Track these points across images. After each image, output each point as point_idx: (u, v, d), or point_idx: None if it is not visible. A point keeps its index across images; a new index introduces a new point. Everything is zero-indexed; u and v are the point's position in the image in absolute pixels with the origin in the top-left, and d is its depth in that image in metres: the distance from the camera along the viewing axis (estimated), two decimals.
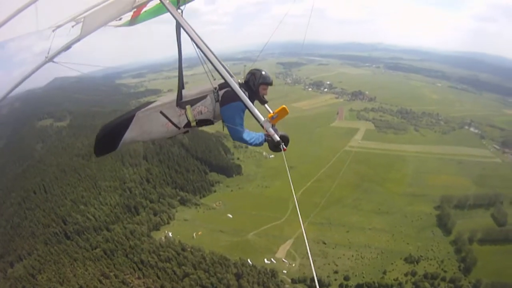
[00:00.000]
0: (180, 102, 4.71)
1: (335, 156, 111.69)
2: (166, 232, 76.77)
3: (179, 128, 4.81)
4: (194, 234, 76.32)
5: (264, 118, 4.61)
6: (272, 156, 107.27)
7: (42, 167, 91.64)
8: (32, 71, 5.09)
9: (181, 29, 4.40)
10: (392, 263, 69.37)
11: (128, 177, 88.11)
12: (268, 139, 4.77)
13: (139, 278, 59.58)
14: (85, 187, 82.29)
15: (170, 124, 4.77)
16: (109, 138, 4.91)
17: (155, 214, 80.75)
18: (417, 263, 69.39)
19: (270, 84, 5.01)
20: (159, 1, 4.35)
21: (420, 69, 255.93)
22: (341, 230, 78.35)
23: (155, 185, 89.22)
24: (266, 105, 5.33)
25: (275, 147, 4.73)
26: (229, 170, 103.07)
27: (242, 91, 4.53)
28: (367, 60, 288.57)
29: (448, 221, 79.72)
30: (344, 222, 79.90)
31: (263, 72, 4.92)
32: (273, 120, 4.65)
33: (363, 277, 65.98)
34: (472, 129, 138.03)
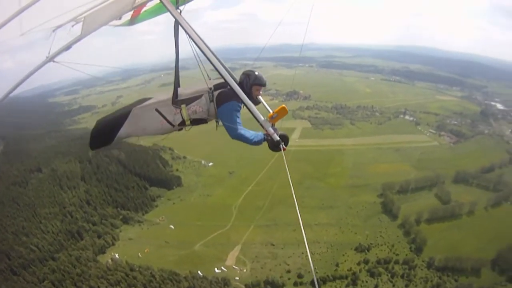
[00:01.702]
0: (176, 101, 5.67)
1: (274, 158, 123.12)
2: (112, 254, 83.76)
3: (173, 126, 5.81)
4: (139, 254, 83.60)
5: (264, 118, 5.51)
6: (211, 163, 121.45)
7: None
8: (33, 71, 5.85)
9: (180, 28, 5.31)
10: (343, 255, 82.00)
11: (67, 201, 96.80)
12: (268, 138, 5.73)
13: None
14: (25, 217, 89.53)
15: (165, 121, 5.74)
16: (104, 132, 5.94)
17: (99, 237, 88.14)
18: (368, 251, 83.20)
19: (264, 85, 6.08)
20: (159, 1, 5.14)
21: (353, 65, 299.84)
22: (288, 230, 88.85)
23: (96, 206, 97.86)
24: (266, 105, 6.46)
25: (275, 146, 5.71)
26: (169, 182, 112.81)
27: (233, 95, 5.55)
28: (300, 60, 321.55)
29: (393, 207, 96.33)
30: (289, 221, 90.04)
31: (257, 73, 5.99)
32: (272, 119, 5.62)
33: (316, 272, 76.30)
34: (407, 117, 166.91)
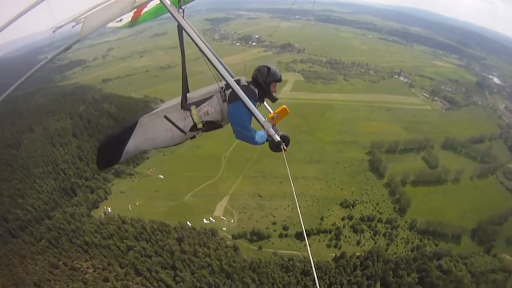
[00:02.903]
0: (185, 104, 5.51)
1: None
2: (105, 208, 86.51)
3: (185, 132, 5.63)
4: (130, 207, 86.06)
5: (265, 118, 5.39)
6: None
7: None
8: (33, 71, 5.84)
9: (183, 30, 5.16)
10: (328, 209, 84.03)
11: (60, 158, 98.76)
12: (269, 139, 5.66)
13: (86, 260, 69.51)
14: (20, 179, 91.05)
15: (175, 129, 5.58)
16: (111, 147, 5.73)
17: (92, 192, 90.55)
18: (353, 207, 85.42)
19: (279, 80, 5.93)
20: (159, 2, 5.03)
21: (351, 21, 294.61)
22: (275, 182, 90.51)
23: (88, 161, 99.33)
24: (266, 105, 6.41)
25: (275, 147, 5.62)
26: None
27: (251, 88, 5.54)
28: (297, 13, 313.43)
29: (380, 166, 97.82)
30: (277, 174, 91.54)
31: (271, 69, 5.80)
32: (273, 120, 5.57)
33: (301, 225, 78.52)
34: (401, 78, 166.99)
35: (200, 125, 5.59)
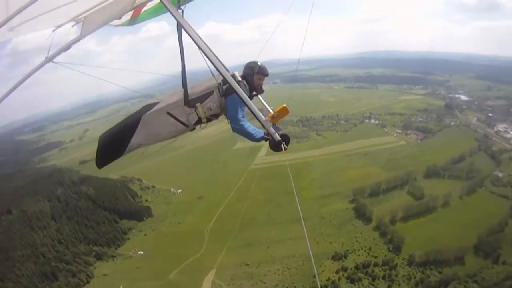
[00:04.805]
0: (188, 101, 6.16)
1: (242, 178, 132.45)
2: None
3: (187, 126, 6.33)
4: None
5: (265, 117, 6.02)
6: (180, 190, 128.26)
7: None
8: (32, 71, 6.38)
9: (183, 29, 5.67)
10: (320, 265, 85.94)
11: (39, 241, 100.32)
12: (269, 138, 6.22)
13: None
14: None
15: (178, 123, 6.25)
16: (114, 145, 6.32)
17: (73, 276, 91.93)
18: (345, 258, 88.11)
19: (266, 75, 6.87)
20: (159, 1, 5.45)
21: (317, 77, 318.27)
22: (261, 248, 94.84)
23: (68, 244, 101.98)
24: (266, 104, 7.27)
25: (276, 146, 6.18)
26: (140, 214, 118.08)
27: (243, 89, 6.04)
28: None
29: (366, 211, 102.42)
30: (262, 240, 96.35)
31: (260, 64, 6.74)
32: (273, 119, 6.21)
33: (294, 286, 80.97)
34: (372, 121, 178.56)
35: (205, 120, 6.28)
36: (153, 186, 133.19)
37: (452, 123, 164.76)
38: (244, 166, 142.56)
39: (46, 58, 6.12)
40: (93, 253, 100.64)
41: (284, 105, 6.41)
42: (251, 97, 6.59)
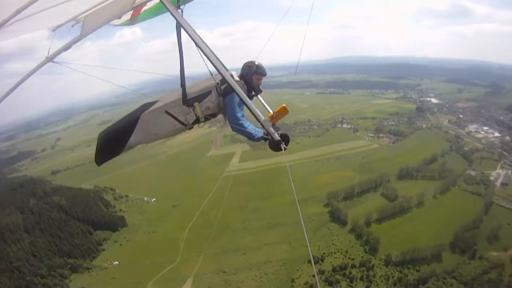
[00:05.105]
0: (187, 100, 6.25)
1: (216, 185, 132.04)
2: None
3: (185, 125, 6.45)
4: None
5: (264, 117, 6.05)
6: (154, 199, 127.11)
7: None
8: (33, 71, 6.40)
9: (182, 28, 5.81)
10: (297, 270, 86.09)
11: (12, 255, 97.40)
12: (268, 138, 6.19)
13: None
14: None
15: (177, 122, 6.37)
16: (113, 143, 6.48)
17: None
18: (322, 261, 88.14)
19: (265, 74, 6.97)
20: (159, 1, 5.57)
21: (288, 83, 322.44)
22: (238, 254, 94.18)
23: (42, 258, 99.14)
24: (266, 104, 7.29)
25: (275, 146, 6.13)
26: (114, 224, 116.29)
27: (241, 84, 6.33)
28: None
29: (341, 214, 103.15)
30: (238, 246, 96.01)
31: (257, 63, 6.84)
32: (273, 119, 6.23)
33: None
34: (345, 125, 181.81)
35: (203, 119, 6.39)
36: (127, 196, 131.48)
37: (424, 126, 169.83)
38: (217, 173, 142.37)
39: (46, 58, 6.14)
40: (68, 265, 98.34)
41: (284, 105, 6.38)
42: (250, 97, 6.59)
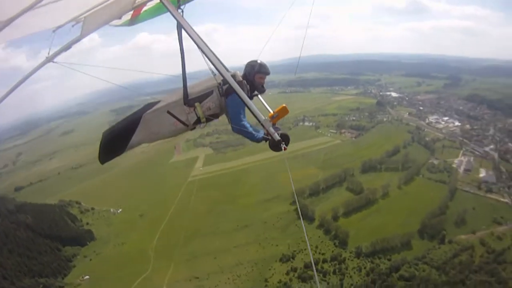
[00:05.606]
0: (188, 100, 6.27)
1: (181, 191, 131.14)
2: None
3: (187, 125, 6.44)
4: None
5: (265, 117, 6.04)
6: (120, 210, 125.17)
7: None
8: (33, 71, 6.47)
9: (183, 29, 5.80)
10: (269, 269, 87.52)
11: None
12: (268, 138, 6.16)
13: None
14: None
15: (178, 122, 6.39)
16: (116, 142, 6.51)
17: None
18: (293, 258, 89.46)
19: (268, 73, 6.87)
20: (159, 1, 5.62)
21: None
22: (209, 259, 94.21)
23: (13, 279, 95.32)
24: (266, 104, 7.29)
25: (275, 146, 6.11)
26: (82, 238, 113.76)
27: (244, 89, 6.15)
28: None
29: (308, 211, 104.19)
30: (208, 251, 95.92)
31: (260, 62, 6.79)
32: (273, 119, 6.28)
33: None
34: (306, 123, 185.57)
35: (203, 120, 6.35)
36: (93, 208, 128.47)
37: (385, 119, 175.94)
38: (182, 179, 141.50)
39: (46, 58, 6.18)
40: (41, 285, 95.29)
41: (284, 105, 6.43)
42: (252, 97, 6.75)
